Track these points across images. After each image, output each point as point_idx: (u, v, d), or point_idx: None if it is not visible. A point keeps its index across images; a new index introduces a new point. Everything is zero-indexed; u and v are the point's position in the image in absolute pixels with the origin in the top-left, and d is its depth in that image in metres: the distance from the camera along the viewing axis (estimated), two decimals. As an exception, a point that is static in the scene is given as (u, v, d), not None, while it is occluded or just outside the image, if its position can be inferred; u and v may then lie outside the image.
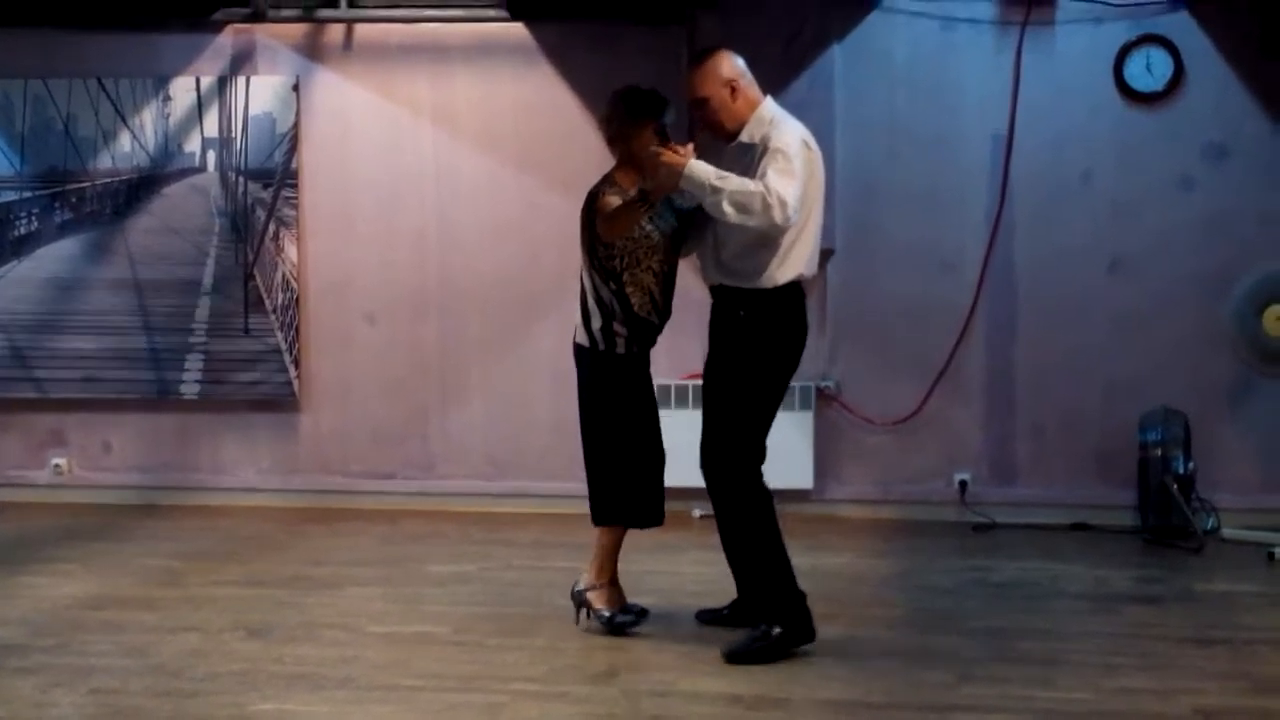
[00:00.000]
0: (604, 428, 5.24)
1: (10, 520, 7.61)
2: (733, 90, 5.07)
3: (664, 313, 5.27)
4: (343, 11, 7.83)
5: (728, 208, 4.82)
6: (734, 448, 5.03)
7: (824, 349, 7.56)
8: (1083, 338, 7.47)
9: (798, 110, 7.31)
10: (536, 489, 7.77)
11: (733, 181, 4.84)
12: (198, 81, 7.96)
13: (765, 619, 4.99)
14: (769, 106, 5.14)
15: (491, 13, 7.73)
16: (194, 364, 8.01)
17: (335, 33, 7.91)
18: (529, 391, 7.84)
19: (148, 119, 8.01)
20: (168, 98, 7.99)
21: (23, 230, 8.10)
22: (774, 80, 7.29)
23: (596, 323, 5.20)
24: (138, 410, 8.13)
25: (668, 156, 4.94)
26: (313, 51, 7.91)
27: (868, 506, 7.57)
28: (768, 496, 5.08)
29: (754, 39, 7.37)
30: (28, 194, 8.08)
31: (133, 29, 7.95)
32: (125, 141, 8.03)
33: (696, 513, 7.25)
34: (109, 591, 5.97)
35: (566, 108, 7.74)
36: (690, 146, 5.05)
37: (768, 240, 4.94)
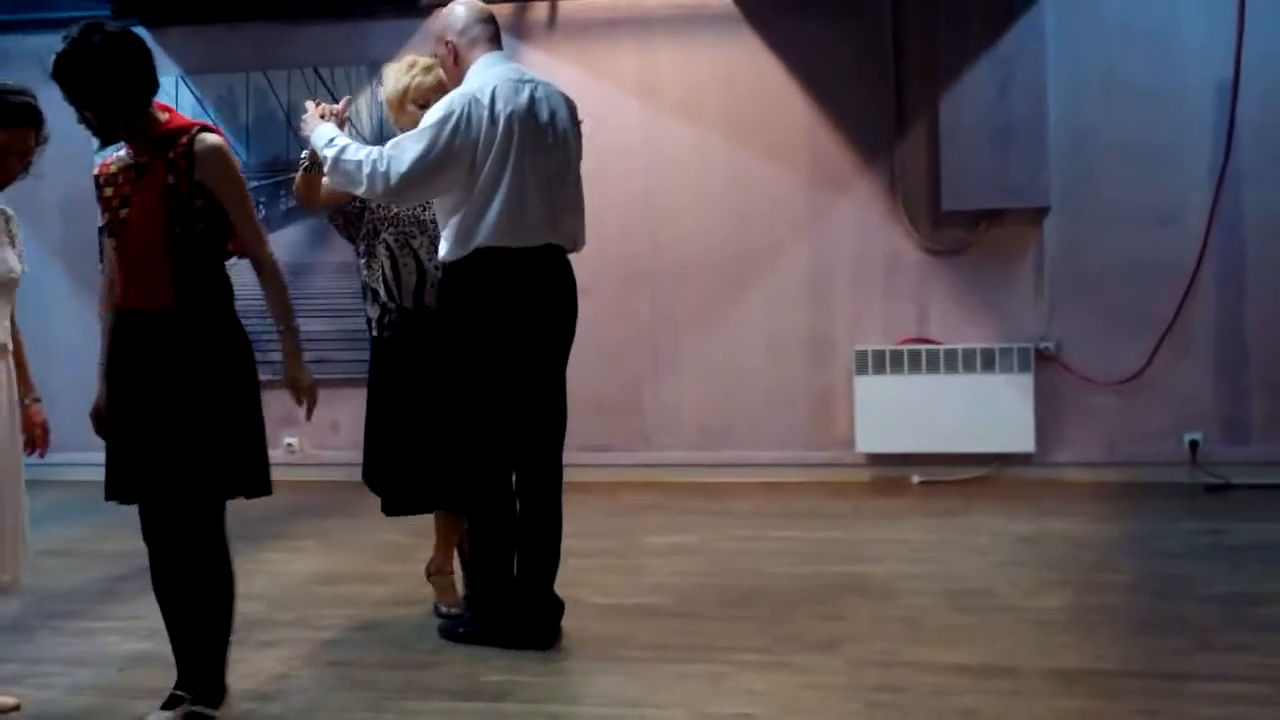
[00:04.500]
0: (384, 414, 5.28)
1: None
2: (450, 49, 4.69)
3: (414, 297, 4.94)
4: (547, -10, 7.94)
5: (332, 176, 4.61)
6: (468, 455, 4.82)
7: (1043, 309, 7.41)
8: (1318, 289, 7.15)
9: (1007, 64, 7.16)
10: (753, 459, 7.76)
11: (348, 149, 4.54)
12: (409, 66, 8.13)
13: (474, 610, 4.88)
14: (477, 66, 4.66)
15: (694, -18, 7.74)
16: (415, 343, 8.19)
17: (540, 11, 8.01)
18: (741, 361, 7.84)
19: (363, 105, 8.21)
20: (380, 83, 8.16)
21: (251, 218, 8.39)
22: (984, 36, 7.20)
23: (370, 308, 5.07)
24: (363, 389, 8.33)
25: (310, 111, 4.72)
26: (519, 31, 8.02)
27: (1093, 469, 7.38)
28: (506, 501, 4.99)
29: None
30: (254, 183, 8.36)
31: (344, 17, 8.19)
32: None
33: (915, 478, 7.17)
34: (341, 567, 6.19)
35: (771, 74, 7.68)
36: (345, 101, 4.87)
37: (455, 205, 4.55)
